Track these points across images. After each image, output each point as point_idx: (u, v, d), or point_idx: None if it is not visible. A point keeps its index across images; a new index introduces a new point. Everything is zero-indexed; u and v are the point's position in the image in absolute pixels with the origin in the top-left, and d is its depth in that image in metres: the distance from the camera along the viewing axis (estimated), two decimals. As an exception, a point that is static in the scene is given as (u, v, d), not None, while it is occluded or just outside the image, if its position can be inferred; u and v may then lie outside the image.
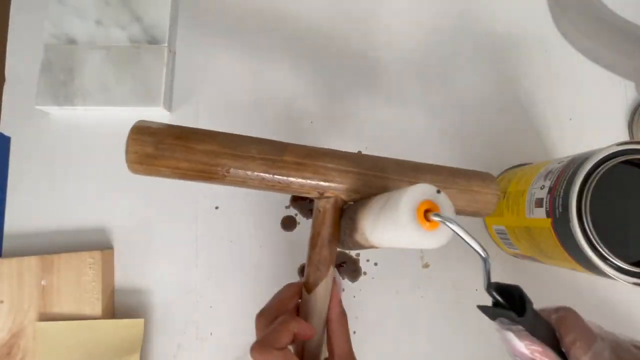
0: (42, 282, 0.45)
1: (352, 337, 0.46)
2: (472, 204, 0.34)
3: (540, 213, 0.35)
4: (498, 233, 0.45)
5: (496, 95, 0.50)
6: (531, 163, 0.47)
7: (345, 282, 0.47)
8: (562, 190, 0.33)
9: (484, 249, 0.26)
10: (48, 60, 0.49)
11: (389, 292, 0.47)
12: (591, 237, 0.30)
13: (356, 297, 0.47)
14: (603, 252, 0.30)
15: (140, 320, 0.45)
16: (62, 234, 0.48)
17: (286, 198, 0.49)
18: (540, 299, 0.44)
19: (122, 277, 0.47)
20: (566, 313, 0.29)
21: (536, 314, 0.28)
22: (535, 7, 0.52)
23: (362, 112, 0.50)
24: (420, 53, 0.52)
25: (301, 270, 0.47)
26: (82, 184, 0.49)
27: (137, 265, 0.48)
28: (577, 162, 0.33)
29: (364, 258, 0.48)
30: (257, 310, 0.34)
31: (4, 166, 0.49)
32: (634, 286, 0.30)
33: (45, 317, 0.44)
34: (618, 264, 0.30)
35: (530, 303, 0.27)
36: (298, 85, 0.51)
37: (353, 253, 0.48)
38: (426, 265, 0.47)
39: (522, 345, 0.28)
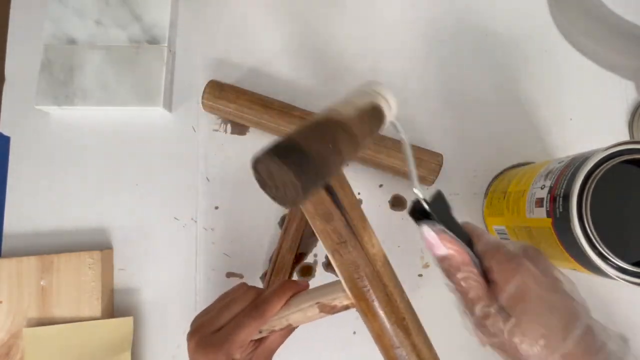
0: (42, 283, 0.45)
1: (352, 337, 0.46)
2: (419, 169, 0.45)
3: (541, 213, 0.35)
4: (498, 233, 0.45)
5: (496, 95, 0.50)
6: (531, 163, 0.47)
7: (345, 282, 0.47)
8: (562, 190, 0.33)
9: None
10: (48, 60, 0.49)
11: (389, 292, 0.47)
12: (591, 236, 0.30)
13: (356, 297, 0.47)
14: (603, 252, 0.30)
15: (129, 318, 0.45)
16: (61, 234, 0.48)
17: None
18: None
19: (122, 277, 0.47)
20: (473, 225, 0.31)
21: (454, 220, 0.30)
22: (535, 7, 0.52)
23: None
24: (420, 53, 0.52)
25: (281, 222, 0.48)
26: (82, 184, 0.49)
27: (137, 265, 0.48)
28: (577, 162, 0.33)
29: (364, 258, 0.48)
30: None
31: (4, 166, 0.49)
32: (634, 286, 0.30)
33: (44, 318, 0.44)
34: (618, 263, 0.30)
35: (449, 206, 0.30)
36: (298, 87, 0.51)
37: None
38: (426, 266, 0.47)
39: (435, 237, 0.29)
